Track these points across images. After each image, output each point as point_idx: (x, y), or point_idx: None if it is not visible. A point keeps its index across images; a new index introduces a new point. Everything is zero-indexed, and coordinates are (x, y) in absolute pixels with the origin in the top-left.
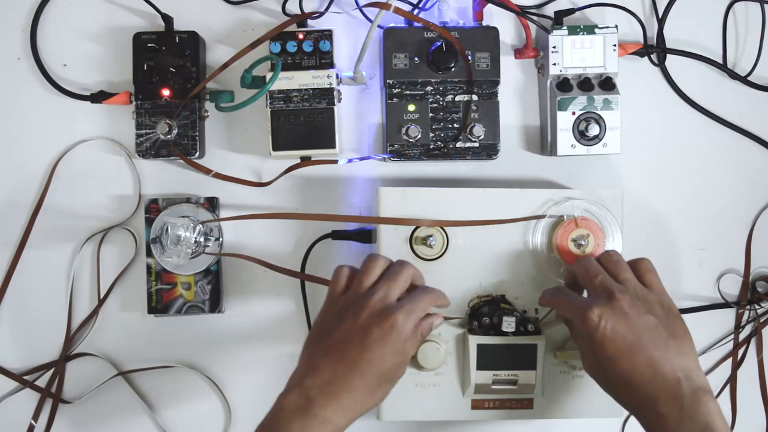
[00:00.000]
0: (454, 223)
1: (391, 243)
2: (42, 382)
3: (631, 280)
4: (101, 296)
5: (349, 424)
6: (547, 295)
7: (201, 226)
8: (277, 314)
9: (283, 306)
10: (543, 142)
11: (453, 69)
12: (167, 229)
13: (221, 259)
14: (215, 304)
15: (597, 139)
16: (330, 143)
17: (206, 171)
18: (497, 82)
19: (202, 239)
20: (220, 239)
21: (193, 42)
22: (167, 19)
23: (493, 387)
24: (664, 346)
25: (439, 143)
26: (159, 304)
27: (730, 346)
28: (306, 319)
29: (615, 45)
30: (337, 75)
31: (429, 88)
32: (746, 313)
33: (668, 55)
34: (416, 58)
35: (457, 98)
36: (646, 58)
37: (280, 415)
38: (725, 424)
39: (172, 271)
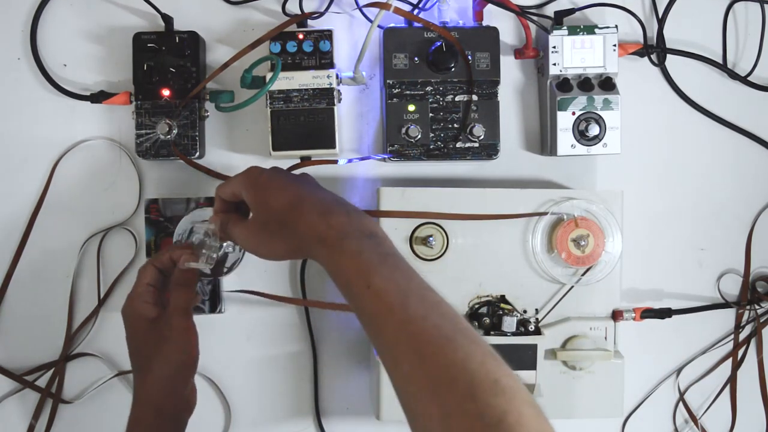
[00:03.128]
0: (455, 216)
1: None
2: (42, 382)
3: None
4: (101, 296)
5: None
6: (222, 185)
7: None
8: (277, 314)
9: (283, 306)
10: (543, 142)
11: (453, 69)
12: (191, 231)
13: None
14: (215, 305)
15: (597, 139)
16: (330, 143)
17: (206, 171)
18: (497, 82)
19: (224, 244)
20: None
21: (193, 42)
22: (167, 19)
23: None
24: (322, 188)
25: (439, 143)
26: None
27: (730, 346)
28: (306, 319)
29: (615, 45)
30: (337, 75)
31: (429, 88)
32: (746, 313)
33: (668, 55)
34: (416, 58)
35: (457, 98)
36: (646, 58)
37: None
38: (384, 234)
39: None
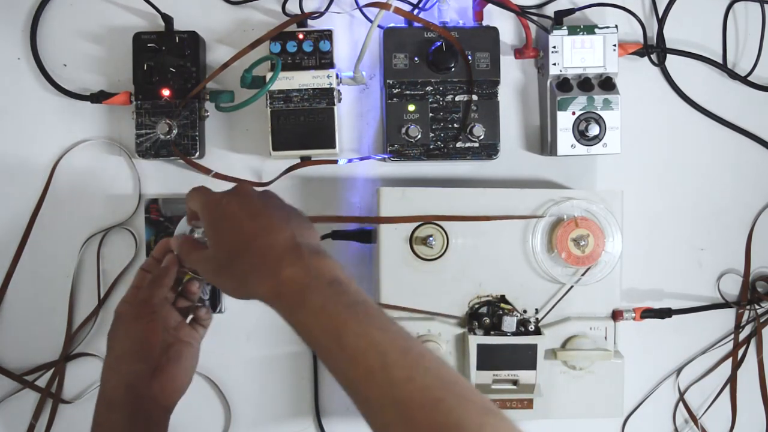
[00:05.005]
0: (455, 218)
1: (391, 243)
2: (42, 382)
3: None
4: (101, 296)
5: None
6: (190, 192)
7: None
8: (277, 314)
9: None
10: (543, 142)
11: (453, 69)
12: (191, 231)
13: None
14: (215, 305)
15: (597, 139)
16: (330, 143)
17: (206, 171)
18: (497, 82)
19: None
20: None
21: (193, 42)
22: (167, 19)
23: (494, 387)
24: (283, 216)
25: (439, 143)
26: None
27: (730, 346)
28: None
29: (615, 45)
30: (337, 75)
31: (429, 88)
32: (746, 313)
33: (668, 55)
34: (416, 58)
35: (457, 98)
36: (646, 58)
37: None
38: (347, 277)
39: None
